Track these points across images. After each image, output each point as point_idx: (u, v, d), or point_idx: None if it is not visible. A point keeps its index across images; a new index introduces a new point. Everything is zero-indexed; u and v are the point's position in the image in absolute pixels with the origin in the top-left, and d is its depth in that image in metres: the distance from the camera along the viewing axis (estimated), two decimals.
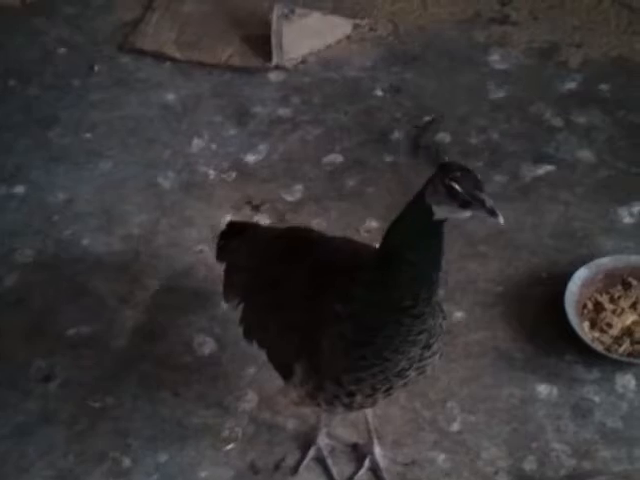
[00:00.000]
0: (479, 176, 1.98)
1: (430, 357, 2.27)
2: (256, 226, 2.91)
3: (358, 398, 2.28)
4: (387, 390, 2.29)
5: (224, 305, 3.12)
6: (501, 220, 1.93)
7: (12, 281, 3.30)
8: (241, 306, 2.65)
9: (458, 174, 1.96)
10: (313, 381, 2.28)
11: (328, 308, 2.21)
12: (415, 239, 2.03)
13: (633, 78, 4.07)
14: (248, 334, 2.61)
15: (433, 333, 2.23)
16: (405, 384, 2.32)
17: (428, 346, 2.23)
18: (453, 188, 1.94)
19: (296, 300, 2.34)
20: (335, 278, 2.25)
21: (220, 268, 2.97)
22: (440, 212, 1.99)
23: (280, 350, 2.43)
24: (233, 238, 2.83)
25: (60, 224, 3.51)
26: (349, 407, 2.34)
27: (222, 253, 2.85)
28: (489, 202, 1.94)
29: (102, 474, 2.75)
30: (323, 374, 2.25)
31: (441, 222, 2.01)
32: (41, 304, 3.22)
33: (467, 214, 1.98)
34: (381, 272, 2.09)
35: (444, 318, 2.33)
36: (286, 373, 2.38)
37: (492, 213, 1.94)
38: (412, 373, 2.27)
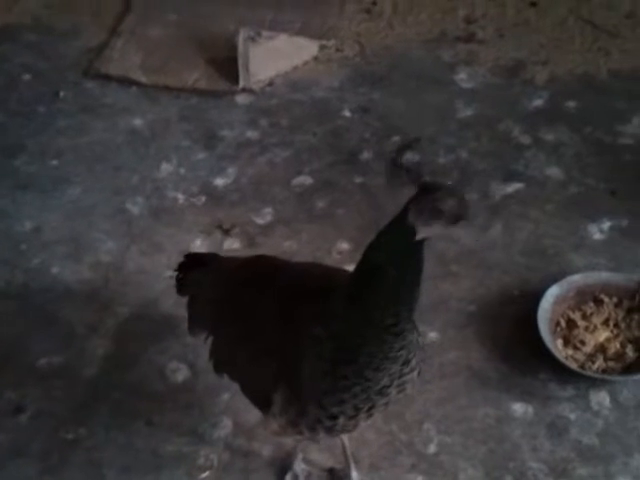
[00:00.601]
0: (462, 192, 2.02)
1: (409, 373, 2.26)
2: (215, 256, 2.85)
3: (341, 420, 2.26)
4: (369, 410, 2.26)
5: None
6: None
7: None
8: (210, 339, 2.60)
9: (444, 193, 1.97)
10: (294, 408, 2.26)
11: (305, 331, 2.19)
12: (398, 258, 2.03)
13: (599, 95, 4.09)
14: (219, 368, 2.57)
15: (411, 349, 2.22)
16: (386, 404, 2.30)
17: (407, 362, 2.23)
18: (439, 209, 1.96)
19: (268, 328, 2.31)
20: (308, 301, 2.23)
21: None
22: (424, 232, 2.00)
23: (256, 381, 2.39)
24: (192, 270, 2.79)
25: (28, 253, 3.47)
26: (331, 431, 2.31)
27: (183, 286, 2.81)
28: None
29: None
30: (305, 399, 2.23)
31: (422, 241, 2.02)
32: (10, 334, 3.18)
33: (456, 231, 2.02)
34: (361, 291, 2.08)
35: (419, 334, 2.32)
36: (264, 404, 2.34)
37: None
38: (393, 391, 2.25)
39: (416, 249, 2.03)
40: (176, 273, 2.84)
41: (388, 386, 2.23)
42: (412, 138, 2.03)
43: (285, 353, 2.25)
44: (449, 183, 2.04)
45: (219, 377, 2.59)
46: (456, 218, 1.97)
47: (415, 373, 2.31)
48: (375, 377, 2.17)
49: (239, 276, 2.56)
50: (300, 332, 2.21)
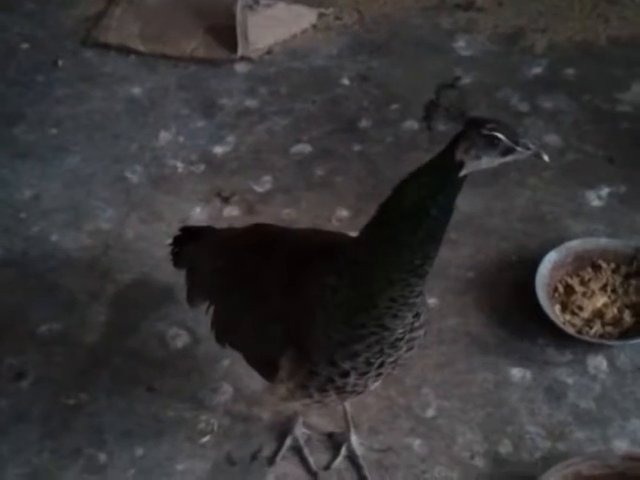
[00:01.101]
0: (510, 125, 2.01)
1: (419, 329, 2.27)
2: (211, 228, 2.85)
3: (351, 379, 2.26)
4: (379, 367, 2.26)
5: None
6: (546, 158, 2.01)
7: None
8: (211, 309, 2.60)
9: (494, 124, 1.98)
10: (304, 369, 2.26)
11: (317, 284, 2.18)
12: (440, 195, 2.01)
13: (598, 62, 4.10)
14: (221, 338, 2.57)
15: (422, 300, 2.23)
16: (395, 363, 2.30)
17: (418, 314, 2.24)
18: (496, 137, 1.96)
19: (274, 292, 2.31)
20: (315, 259, 2.23)
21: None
22: (473, 166, 2.00)
23: (261, 347, 2.38)
24: (188, 243, 2.79)
25: (28, 221, 3.49)
26: (342, 392, 2.31)
27: (179, 259, 2.81)
28: (532, 145, 1.99)
29: (78, 470, 2.73)
30: (316, 356, 2.23)
31: (463, 179, 2.02)
32: (11, 302, 3.20)
33: (508, 159, 2.01)
34: (394, 230, 2.06)
35: (424, 294, 2.31)
36: (270, 370, 2.33)
37: (537, 154, 2.00)
38: (403, 346, 2.26)
39: (458, 187, 2.03)
40: (172, 246, 2.84)
41: (400, 339, 2.23)
42: (452, 77, 2.05)
43: (294, 314, 2.24)
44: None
45: (221, 346, 2.59)
46: (510, 147, 1.97)
47: (423, 332, 2.32)
48: (392, 324, 2.17)
49: (239, 245, 2.56)
50: (311, 286, 2.20)
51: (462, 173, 2.00)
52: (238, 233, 2.67)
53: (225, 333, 2.55)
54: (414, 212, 2.03)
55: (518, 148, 1.97)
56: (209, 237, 2.76)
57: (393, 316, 2.16)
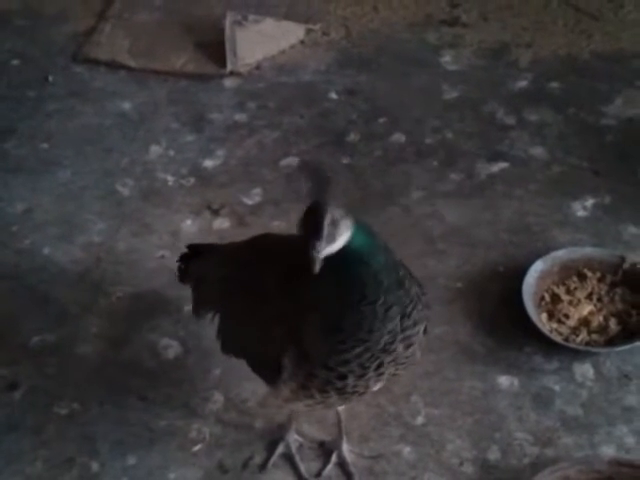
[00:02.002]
0: (324, 216, 2.06)
1: (413, 326, 2.29)
2: (216, 245, 2.91)
3: (350, 380, 2.29)
4: (378, 368, 2.29)
5: (187, 309, 3.15)
6: (315, 269, 2.07)
7: None
8: (216, 318, 2.66)
9: (304, 216, 2.11)
10: (304, 370, 2.30)
11: (305, 296, 2.25)
12: (339, 274, 2.17)
13: (582, 76, 4.15)
14: (226, 347, 2.62)
15: (406, 301, 2.25)
16: (395, 361, 2.32)
17: (406, 315, 2.25)
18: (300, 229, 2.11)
19: (273, 296, 2.36)
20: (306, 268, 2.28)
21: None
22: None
23: (265, 349, 2.41)
24: (194, 259, 2.85)
25: (20, 234, 3.51)
26: (343, 392, 2.34)
27: (185, 275, 2.87)
28: (319, 249, 2.05)
29: (71, 479, 2.75)
30: (312, 359, 2.27)
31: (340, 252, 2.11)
32: (3, 314, 3.21)
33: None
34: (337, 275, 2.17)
35: (422, 290, 2.37)
36: (273, 372, 2.37)
37: (311, 262, 2.07)
38: (399, 346, 2.28)
39: (343, 265, 2.14)
40: (178, 263, 2.90)
41: (391, 342, 2.25)
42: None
43: (292, 316, 2.29)
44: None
45: (227, 356, 2.64)
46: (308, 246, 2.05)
47: (420, 328, 2.34)
48: (371, 337, 2.21)
49: (241, 255, 2.63)
50: (301, 297, 2.26)
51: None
52: (240, 245, 2.72)
53: (230, 340, 2.60)
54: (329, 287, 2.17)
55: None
56: (214, 252, 2.82)
57: (368, 332, 2.21)
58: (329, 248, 2.07)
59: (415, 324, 2.31)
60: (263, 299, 2.41)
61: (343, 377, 2.29)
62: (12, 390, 2.97)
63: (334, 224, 2.07)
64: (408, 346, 2.32)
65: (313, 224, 2.06)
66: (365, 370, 2.29)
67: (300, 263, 2.30)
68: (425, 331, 2.40)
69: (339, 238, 2.09)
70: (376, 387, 2.43)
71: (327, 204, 2.08)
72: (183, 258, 2.90)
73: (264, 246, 2.59)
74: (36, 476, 2.76)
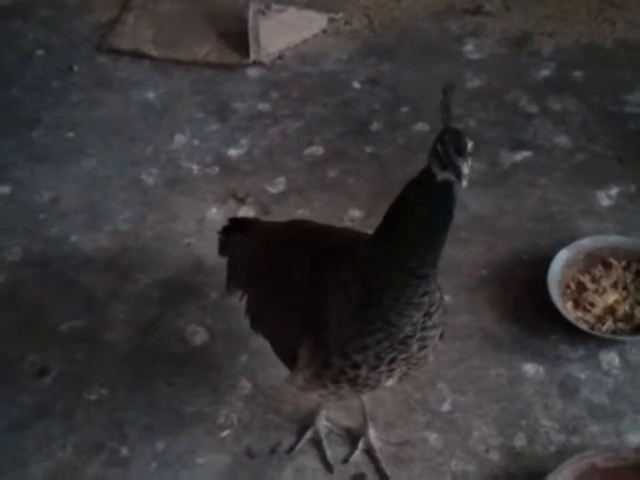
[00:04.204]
0: (469, 143, 2.00)
1: (431, 329, 2.31)
2: (257, 221, 2.94)
3: (363, 371, 2.31)
4: (390, 362, 2.31)
5: (213, 295, 3.18)
6: (463, 184, 1.98)
7: (2, 279, 3.33)
8: (245, 297, 2.69)
9: (447, 137, 2.00)
10: (319, 358, 2.31)
11: (332, 278, 2.26)
12: (425, 197, 2.07)
13: (605, 64, 4.15)
14: (254, 325, 2.65)
15: (433, 300, 2.26)
16: (407, 360, 2.34)
17: (429, 314, 2.27)
18: (436, 150, 2.00)
19: (298, 282, 2.39)
20: (336, 254, 2.30)
21: (209, 261, 3.10)
22: (440, 175, 2.03)
23: (284, 336, 2.45)
24: (235, 233, 2.89)
25: (47, 222, 3.55)
26: (354, 384, 2.36)
27: (224, 248, 2.92)
28: (461, 169, 1.97)
29: (101, 464, 2.78)
30: (330, 347, 2.29)
31: (447, 183, 2.04)
32: (32, 301, 3.25)
33: (447, 176, 2.01)
34: (390, 231, 2.13)
35: (442, 295, 2.36)
36: (291, 359, 2.40)
37: (458, 177, 1.98)
38: (415, 345, 2.30)
39: (443, 191, 2.05)
40: (219, 235, 2.94)
41: (411, 337, 2.27)
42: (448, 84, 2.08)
43: (313, 303, 2.31)
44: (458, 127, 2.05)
45: (256, 334, 2.66)
46: (444, 165, 1.99)
47: (437, 332, 2.35)
48: (399, 322, 2.22)
49: (274, 239, 2.66)
50: (328, 281, 2.27)
51: (438, 179, 2.03)
52: (276, 227, 2.75)
53: (255, 322, 2.63)
54: (405, 212, 2.10)
55: (449, 167, 1.99)
56: (252, 229, 2.85)
57: (398, 314, 2.21)
58: (467, 171, 2.00)
59: (434, 327, 2.32)
60: (285, 287, 2.44)
61: (356, 366, 2.31)
62: (42, 376, 3.01)
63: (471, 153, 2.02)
64: (422, 348, 2.34)
65: (460, 144, 1.99)
66: (379, 362, 2.30)
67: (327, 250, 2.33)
68: (441, 336, 2.41)
69: (469, 168, 2.02)
70: (387, 383, 2.45)
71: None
72: (225, 231, 2.94)
73: (297, 232, 2.61)
74: (66, 461, 2.80)
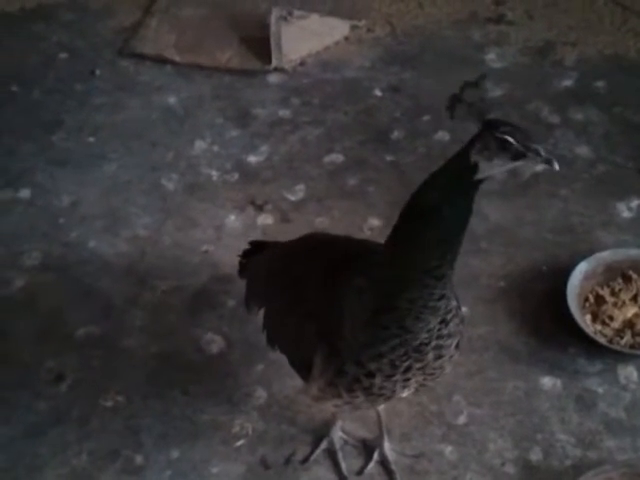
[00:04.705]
0: (527, 129, 2.00)
1: (447, 338, 2.28)
2: (276, 242, 2.93)
3: (377, 380, 2.29)
4: (405, 371, 2.28)
5: (231, 303, 3.19)
6: (556, 166, 1.97)
7: (20, 284, 3.33)
8: (261, 312, 2.70)
9: (508, 128, 1.98)
10: (333, 367, 2.30)
11: (347, 284, 2.24)
12: (454, 195, 2.04)
13: (628, 75, 4.13)
14: (270, 340, 2.64)
15: (450, 307, 2.24)
16: (423, 370, 2.31)
17: (445, 321, 2.24)
18: (507, 141, 1.97)
19: (312, 291, 2.38)
20: (352, 262, 2.29)
21: (227, 268, 3.12)
22: (487, 169, 2.01)
23: (298, 344, 2.44)
24: (254, 255, 2.89)
25: (66, 227, 3.55)
26: (369, 393, 2.34)
27: (244, 270, 2.92)
28: (543, 151, 1.97)
29: (115, 471, 2.78)
30: (344, 355, 2.27)
31: (479, 182, 2.03)
32: (49, 306, 3.25)
33: (519, 164, 2.01)
34: (410, 231, 2.10)
35: (459, 304, 2.34)
36: (306, 369, 2.39)
37: (548, 161, 1.98)
38: (430, 353, 2.27)
39: (472, 189, 2.04)
40: (240, 258, 2.95)
41: (426, 344, 2.24)
42: (478, 75, 2.06)
43: (326, 311, 2.30)
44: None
45: (272, 350, 2.65)
46: (521, 152, 1.97)
47: (453, 341, 2.32)
48: (414, 327, 2.19)
49: (290, 252, 2.66)
50: (342, 287, 2.26)
51: (477, 176, 2.02)
52: (292, 242, 2.74)
53: (272, 335, 2.63)
54: (428, 212, 2.06)
55: (529, 154, 1.97)
56: (270, 247, 2.86)
57: (415, 318, 2.18)
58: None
59: (450, 335, 2.29)
60: (300, 297, 2.43)
61: (371, 375, 2.29)
62: (58, 382, 3.01)
63: None
64: (438, 357, 2.31)
65: (525, 131, 1.99)
66: (394, 370, 2.28)
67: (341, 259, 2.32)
68: (457, 346, 2.37)
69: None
70: (403, 394, 2.43)
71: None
72: (246, 254, 2.94)
73: (312, 244, 2.61)
74: (81, 468, 2.80)
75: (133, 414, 2.92)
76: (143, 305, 3.24)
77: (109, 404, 2.95)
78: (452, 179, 2.05)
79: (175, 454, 2.82)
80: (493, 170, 2.02)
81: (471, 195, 2.05)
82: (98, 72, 4.27)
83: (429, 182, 2.09)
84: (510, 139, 1.97)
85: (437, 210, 2.05)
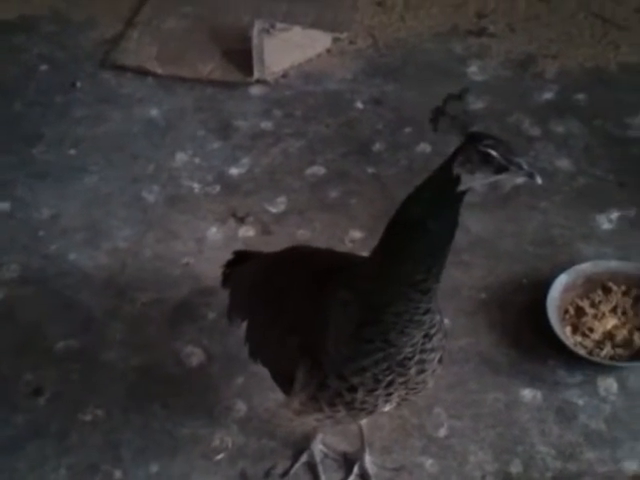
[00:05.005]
0: (509, 142, 2.01)
1: (430, 351, 2.27)
2: (260, 253, 2.93)
3: (359, 395, 2.28)
4: (388, 386, 2.28)
5: (211, 316, 3.18)
6: (539, 180, 1.97)
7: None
8: (244, 324, 2.68)
9: (491, 141, 1.99)
10: (315, 380, 2.29)
11: (332, 298, 2.23)
12: (437, 209, 2.04)
13: (608, 88, 4.15)
14: (253, 353, 2.63)
15: (434, 322, 2.23)
16: (406, 385, 2.30)
17: (428, 335, 2.24)
18: (489, 154, 1.97)
19: (295, 305, 2.37)
20: (334, 275, 2.28)
21: (208, 281, 3.10)
22: (469, 181, 2.01)
23: (281, 358, 2.43)
24: (238, 265, 2.88)
25: (46, 239, 3.54)
26: (351, 408, 2.33)
27: (227, 280, 2.90)
28: (526, 165, 1.97)
29: None
30: (326, 369, 2.26)
31: (463, 193, 2.03)
32: (29, 319, 3.24)
33: (502, 177, 2.01)
34: (395, 244, 2.09)
35: (442, 318, 2.34)
36: (288, 382, 2.38)
37: (530, 174, 1.98)
38: (413, 368, 2.26)
39: (456, 202, 2.04)
40: (223, 268, 2.93)
41: (409, 358, 2.24)
42: (461, 88, 2.07)
43: (309, 324, 2.29)
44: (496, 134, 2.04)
45: (254, 363, 2.63)
46: (504, 166, 1.98)
47: (436, 356, 2.32)
48: (398, 341, 2.18)
49: (273, 264, 2.65)
50: (327, 299, 2.25)
51: (459, 188, 2.02)
52: (276, 254, 2.73)
53: (254, 348, 2.62)
54: (413, 226, 2.06)
55: (511, 167, 1.97)
56: (254, 259, 2.84)
57: (399, 332, 2.18)
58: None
59: (433, 350, 2.29)
60: (283, 309, 2.42)
61: (353, 389, 2.28)
62: (37, 395, 3.00)
63: None
64: (421, 371, 2.30)
65: (507, 145, 1.99)
66: (376, 384, 2.27)
67: (325, 272, 2.32)
68: (440, 360, 2.37)
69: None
70: (385, 408, 2.42)
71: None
72: (229, 264, 2.93)
73: (296, 256, 2.60)
74: None
75: (112, 428, 2.91)
76: (123, 318, 3.23)
77: (88, 418, 2.93)
78: (435, 192, 2.05)
79: (154, 468, 2.80)
80: (475, 183, 2.02)
81: (455, 208, 2.05)
82: (79, 84, 4.27)
83: (413, 196, 2.09)
84: (493, 152, 1.97)
85: (422, 224, 2.05)
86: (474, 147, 1.99)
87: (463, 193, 2.03)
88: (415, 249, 2.07)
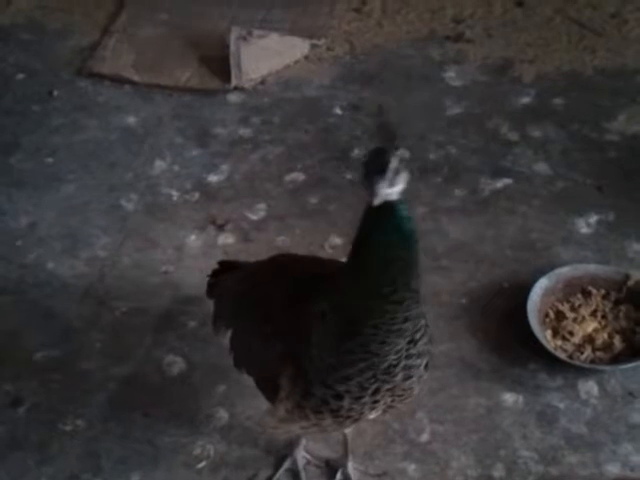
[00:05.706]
0: (391, 159, 1.99)
1: (416, 357, 2.26)
2: (246, 262, 2.92)
3: (346, 402, 2.27)
4: (374, 393, 2.27)
5: (192, 324, 3.16)
6: (374, 202, 1.98)
7: None
8: (228, 334, 2.67)
9: (369, 155, 2.02)
10: (300, 388, 2.28)
11: (311, 308, 2.23)
12: (373, 222, 2.07)
13: (585, 92, 4.16)
14: (237, 361, 2.62)
15: (418, 326, 2.23)
16: (392, 391, 2.30)
17: (414, 341, 2.23)
18: (362, 168, 2.01)
19: (278, 313, 2.37)
20: (316, 284, 2.28)
21: (188, 289, 3.10)
22: (382, 197, 2.00)
23: (265, 365, 2.42)
24: (223, 275, 2.87)
25: (24, 248, 3.52)
26: (337, 415, 2.32)
27: (212, 290, 2.89)
28: (373, 187, 1.97)
29: None
30: (311, 377, 2.26)
31: (383, 206, 2.02)
32: (7, 328, 3.22)
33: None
34: (357, 261, 2.12)
35: (427, 323, 2.32)
36: (273, 390, 2.37)
37: (370, 195, 1.98)
38: (399, 374, 2.25)
39: (387, 211, 2.03)
40: (209, 278, 2.92)
41: (395, 365, 2.23)
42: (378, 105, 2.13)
43: (293, 332, 2.29)
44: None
45: (239, 372, 2.63)
46: (363, 182, 1.99)
47: (422, 361, 2.31)
48: (381, 351, 2.18)
49: (257, 273, 2.66)
50: (308, 311, 2.25)
51: (374, 203, 2.01)
52: (260, 263, 2.73)
53: (238, 357, 2.61)
54: (363, 242, 2.10)
55: (363, 186, 1.99)
56: (239, 269, 2.84)
57: (381, 343, 2.17)
58: (388, 190, 2.00)
59: (419, 355, 2.28)
60: (266, 317, 2.42)
61: (339, 397, 2.27)
62: (16, 406, 2.98)
63: (397, 171, 2.00)
64: (408, 377, 2.30)
65: (379, 163, 1.99)
66: (362, 392, 2.26)
67: (307, 280, 2.31)
68: (426, 366, 2.37)
69: (397, 186, 2.01)
70: (371, 416, 2.41)
71: (393, 150, 2.03)
72: (215, 274, 2.91)
73: (279, 264, 2.60)
74: None
75: (93, 438, 2.89)
76: (103, 327, 3.21)
77: (68, 428, 2.91)
78: (366, 209, 2.08)
79: (136, 478, 2.79)
80: (387, 195, 2.01)
81: (389, 217, 2.05)
82: (56, 93, 4.24)
83: (364, 211, 2.10)
84: (363, 169, 1.99)
85: (368, 238, 2.09)
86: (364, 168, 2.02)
87: (383, 205, 2.02)
88: (372, 263, 2.09)
